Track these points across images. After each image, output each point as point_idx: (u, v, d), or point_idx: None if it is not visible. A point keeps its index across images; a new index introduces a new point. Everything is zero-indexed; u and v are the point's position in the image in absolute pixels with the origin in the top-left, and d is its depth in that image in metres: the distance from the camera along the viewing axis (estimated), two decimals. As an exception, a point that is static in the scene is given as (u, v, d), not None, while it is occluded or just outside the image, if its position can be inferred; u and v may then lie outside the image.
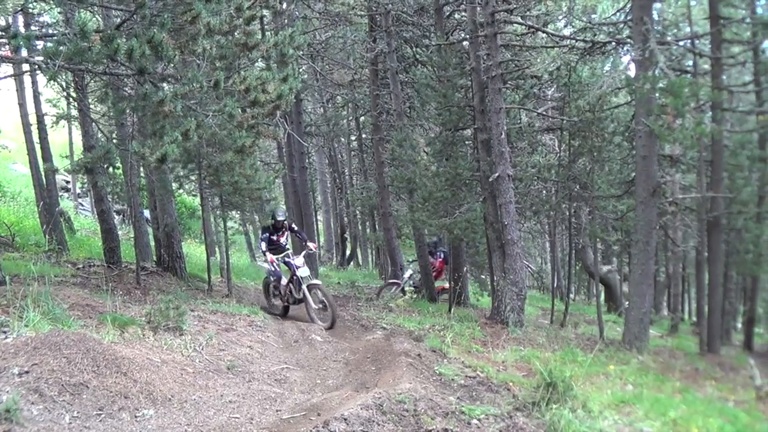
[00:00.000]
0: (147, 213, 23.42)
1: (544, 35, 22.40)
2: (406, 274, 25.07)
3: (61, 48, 10.29)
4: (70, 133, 36.71)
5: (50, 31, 18.37)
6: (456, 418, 8.05)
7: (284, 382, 10.72)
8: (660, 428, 9.49)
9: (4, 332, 8.83)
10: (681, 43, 21.10)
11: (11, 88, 25.06)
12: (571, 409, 8.46)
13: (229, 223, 25.60)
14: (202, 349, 11.21)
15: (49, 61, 10.40)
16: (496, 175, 18.02)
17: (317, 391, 10.35)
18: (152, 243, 21.86)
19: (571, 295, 34.39)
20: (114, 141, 19.42)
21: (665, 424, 9.68)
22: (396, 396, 8.10)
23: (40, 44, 12.00)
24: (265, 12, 21.44)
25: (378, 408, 7.79)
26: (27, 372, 7.37)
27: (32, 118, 23.18)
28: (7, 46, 11.76)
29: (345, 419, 7.42)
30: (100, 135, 20.48)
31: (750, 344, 20.82)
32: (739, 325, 26.90)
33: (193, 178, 19.73)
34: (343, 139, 43.04)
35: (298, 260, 17.58)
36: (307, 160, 35.11)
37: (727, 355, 18.80)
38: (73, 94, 20.07)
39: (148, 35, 10.76)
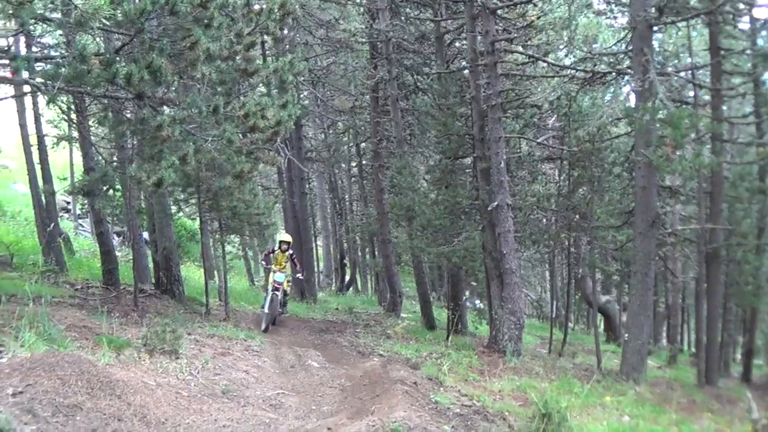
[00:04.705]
0: (146, 235, 23.37)
1: (545, 65, 22.44)
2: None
3: (61, 70, 10.30)
4: (71, 155, 36.67)
5: (51, 53, 18.37)
6: (450, 447, 8.02)
7: (279, 408, 10.68)
8: (655, 460, 9.47)
9: (0, 352, 8.81)
10: (681, 74, 21.14)
11: (12, 108, 25.06)
12: (566, 439, 8.43)
13: (228, 248, 25.58)
14: (198, 372, 11.17)
15: (48, 83, 10.41)
16: (495, 204, 18.00)
17: (312, 417, 10.31)
18: (151, 265, 21.81)
19: (570, 325, 34.32)
20: (113, 164, 19.43)
21: (660, 456, 9.66)
22: (390, 424, 8.06)
23: (40, 66, 12.00)
24: (266, 38, 21.48)
25: (372, 436, 7.76)
26: (21, 392, 7.33)
27: (33, 139, 23.17)
28: (7, 68, 11.78)
29: (338, 446, 7.40)
30: (99, 157, 20.48)
31: (748, 376, 20.77)
32: (738, 357, 26.82)
33: (192, 201, 19.74)
34: (343, 165, 43.08)
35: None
36: (307, 186, 35.18)
37: (724, 387, 18.75)
38: (74, 116, 20.09)
39: (147, 60, 10.78)
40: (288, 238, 20.36)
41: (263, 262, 21.60)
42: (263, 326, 18.62)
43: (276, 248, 20.43)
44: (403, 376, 11.92)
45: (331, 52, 31.23)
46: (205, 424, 8.71)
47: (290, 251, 20.43)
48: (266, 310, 19.06)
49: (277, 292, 19.44)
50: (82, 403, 7.57)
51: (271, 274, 20.10)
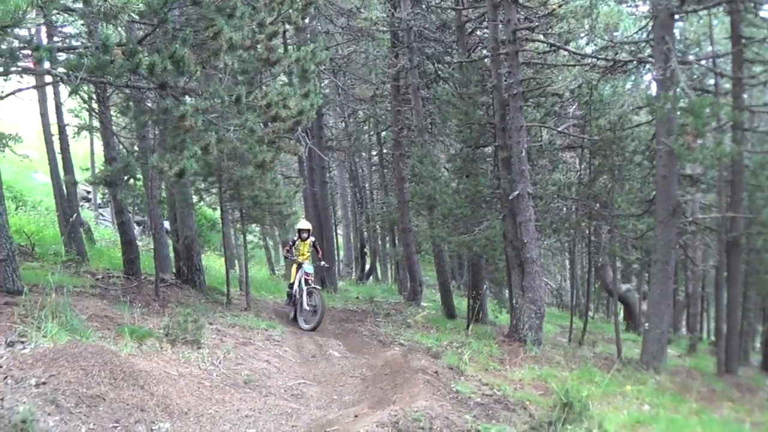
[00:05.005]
0: (167, 224, 23.39)
1: (566, 53, 22.39)
2: None
3: (83, 61, 10.31)
4: (92, 144, 36.67)
5: (73, 43, 18.41)
6: (471, 436, 8.03)
7: (301, 398, 10.70)
8: (676, 450, 9.47)
9: (22, 343, 8.82)
10: (702, 63, 21.05)
11: (33, 98, 25.07)
12: (587, 429, 8.41)
13: (249, 237, 25.61)
14: (220, 362, 11.20)
15: (71, 73, 10.43)
16: (516, 193, 17.98)
17: (334, 407, 10.32)
18: (172, 255, 21.84)
19: (590, 313, 34.26)
20: (135, 153, 19.47)
21: (681, 446, 9.65)
22: (412, 413, 8.06)
23: (62, 56, 12.02)
24: (288, 27, 21.48)
25: (394, 426, 7.76)
26: (44, 383, 7.36)
27: (54, 129, 23.20)
28: (29, 58, 11.81)
29: (360, 436, 7.41)
30: (121, 147, 20.52)
31: (768, 365, 20.72)
32: (758, 346, 26.79)
33: (213, 191, 19.73)
34: (364, 154, 43.04)
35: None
36: (328, 175, 35.19)
37: (744, 375, 18.74)
38: (95, 106, 20.12)
39: (170, 50, 10.80)
40: (307, 225, 19.98)
41: (288, 255, 20.08)
42: (310, 326, 17.81)
43: (296, 238, 19.44)
44: (424, 365, 11.91)
45: (352, 40, 31.24)
46: (228, 414, 8.74)
47: (311, 238, 19.63)
48: (306, 306, 18.12)
49: (315, 286, 18.62)
50: (105, 394, 7.61)
51: (294, 266, 19.30)
